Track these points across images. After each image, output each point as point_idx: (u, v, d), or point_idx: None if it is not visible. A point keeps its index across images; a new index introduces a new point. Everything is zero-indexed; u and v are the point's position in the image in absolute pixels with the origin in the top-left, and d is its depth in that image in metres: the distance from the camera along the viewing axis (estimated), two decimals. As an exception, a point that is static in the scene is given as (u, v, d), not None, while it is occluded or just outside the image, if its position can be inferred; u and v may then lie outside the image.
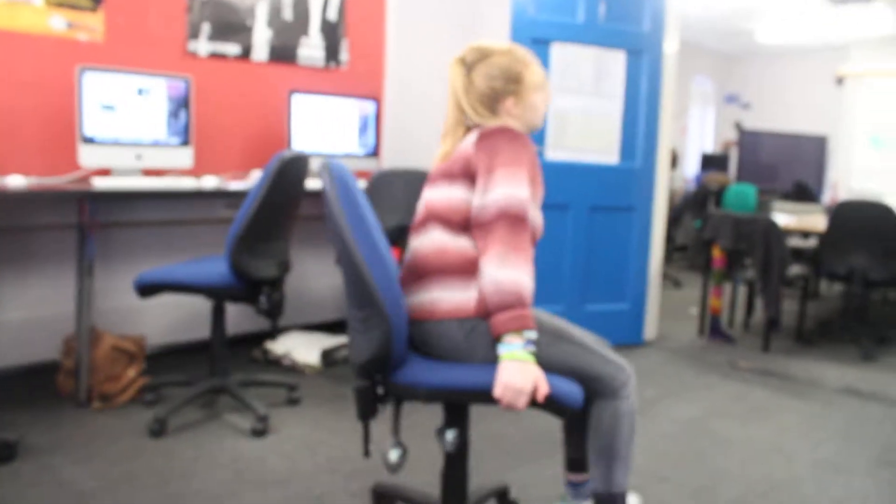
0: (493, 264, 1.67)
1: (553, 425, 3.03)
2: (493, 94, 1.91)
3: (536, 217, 1.83)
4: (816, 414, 3.36)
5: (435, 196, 1.86)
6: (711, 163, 8.85)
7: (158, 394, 3.15)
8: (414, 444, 2.71)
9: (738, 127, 8.56)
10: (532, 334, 1.68)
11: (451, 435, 1.85)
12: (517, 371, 1.63)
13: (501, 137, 1.80)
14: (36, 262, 3.33)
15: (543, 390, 1.65)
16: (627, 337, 4.37)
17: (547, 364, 1.76)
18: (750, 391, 3.66)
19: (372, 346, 1.71)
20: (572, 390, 1.77)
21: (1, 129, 3.16)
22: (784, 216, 4.96)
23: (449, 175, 1.84)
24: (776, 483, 2.61)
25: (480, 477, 2.46)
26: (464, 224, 1.80)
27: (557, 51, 4.03)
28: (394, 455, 1.81)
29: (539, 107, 1.97)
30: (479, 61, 1.92)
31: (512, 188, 1.73)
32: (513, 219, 1.70)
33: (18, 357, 3.31)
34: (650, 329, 4.51)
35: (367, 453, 1.90)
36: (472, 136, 1.85)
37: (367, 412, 1.81)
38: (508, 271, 1.65)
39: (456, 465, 1.98)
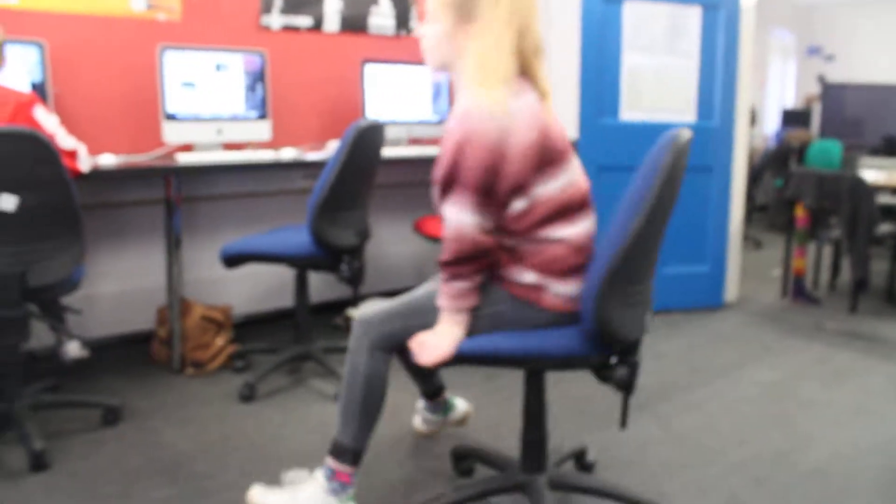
0: None
1: (587, 393, 3.03)
2: None
3: None
4: (907, 376, 3.26)
5: None
6: (793, 119, 8.51)
7: (247, 361, 3.27)
8: (495, 407, 2.76)
9: (821, 80, 8.20)
10: None
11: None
12: None
13: None
14: (128, 237, 3.48)
15: None
16: (707, 299, 4.30)
17: None
18: (835, 353, 3.56)
19: (644, 322, 1.84)
20: None
21: (90, 111, 3.29)
22: (872, 172, 4.75)
23: None
24: (862, 447, 2.55)
25: (559, 439, 2.49)
26: None
27: (630, 9, 3.93)
28: None
29: None
30: None
31: None
32: None
33: (115, 327, 3.48)
34: (731, 291, 4.42)
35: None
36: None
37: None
38: None
39: (535, 427, 2.00)
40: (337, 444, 1.92)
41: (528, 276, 1.79)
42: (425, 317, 1.84)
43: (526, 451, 2.03)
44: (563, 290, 1.79)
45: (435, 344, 1.78)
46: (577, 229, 1.80)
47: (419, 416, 2.59)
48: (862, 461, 2.44)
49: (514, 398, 1.97)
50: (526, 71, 1.80)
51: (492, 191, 1.72)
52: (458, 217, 1.73)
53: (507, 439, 2.49)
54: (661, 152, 1.68)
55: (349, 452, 1.91)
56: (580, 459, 2.33)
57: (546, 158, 1.74)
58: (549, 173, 1.75)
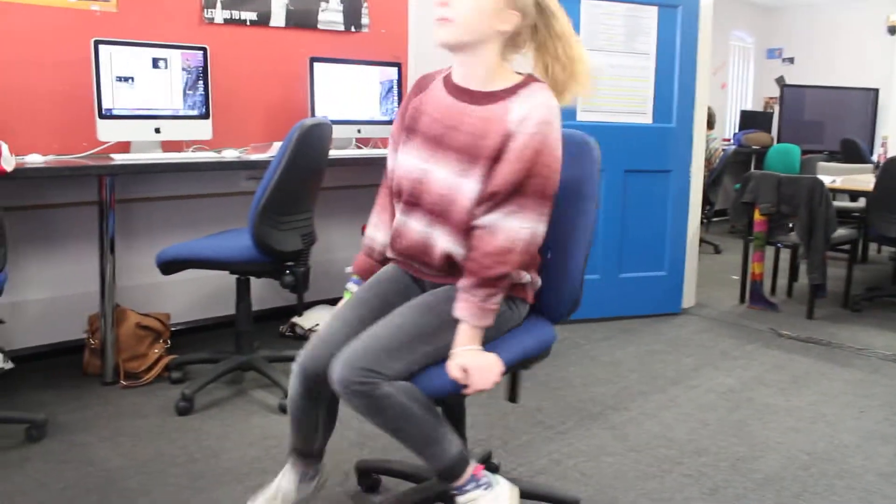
0: None
1: (539, 402, 2.96)
2: None
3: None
4: (863, 382, 3.23)
5: None
6: (752, 121, 8.56)
7: (184, 371, 3.13)
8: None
9: (780, 81, 8.23)
10: None
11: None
12: None
13: None
14: (58, 241, 3.31)
15: None
16: (665, 305, 4.25)
17: None
18: (793, 359, 3.53)
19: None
20: None
21: (18, 106, 3.12)
22: (830, 176, 4.75)
23: None
24: (820, 454, 2.51)
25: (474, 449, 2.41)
26: None
27: (587, 7, 3.87)
28: None
29: None
30: None
31: None
32: None
33: (43, 337, 3.31)
34: (688, 296, 4.38)
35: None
36: None
37: None
38: None
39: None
40: (444, 471, 1.66)
41: (525, 276, 1.75)
42: (433, 340, 1.64)
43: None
44: (537, 282, 1.80)
45: (483, 365, 1.60)
46: None
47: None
48: (817, 468, 2.40)
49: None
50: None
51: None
52: (535, 227, 1.63)
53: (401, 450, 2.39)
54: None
55: (459, 461, 1.67)
56: (485, 462, 2.16)
57: None
58: None
